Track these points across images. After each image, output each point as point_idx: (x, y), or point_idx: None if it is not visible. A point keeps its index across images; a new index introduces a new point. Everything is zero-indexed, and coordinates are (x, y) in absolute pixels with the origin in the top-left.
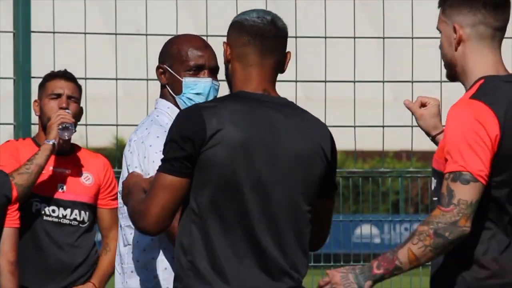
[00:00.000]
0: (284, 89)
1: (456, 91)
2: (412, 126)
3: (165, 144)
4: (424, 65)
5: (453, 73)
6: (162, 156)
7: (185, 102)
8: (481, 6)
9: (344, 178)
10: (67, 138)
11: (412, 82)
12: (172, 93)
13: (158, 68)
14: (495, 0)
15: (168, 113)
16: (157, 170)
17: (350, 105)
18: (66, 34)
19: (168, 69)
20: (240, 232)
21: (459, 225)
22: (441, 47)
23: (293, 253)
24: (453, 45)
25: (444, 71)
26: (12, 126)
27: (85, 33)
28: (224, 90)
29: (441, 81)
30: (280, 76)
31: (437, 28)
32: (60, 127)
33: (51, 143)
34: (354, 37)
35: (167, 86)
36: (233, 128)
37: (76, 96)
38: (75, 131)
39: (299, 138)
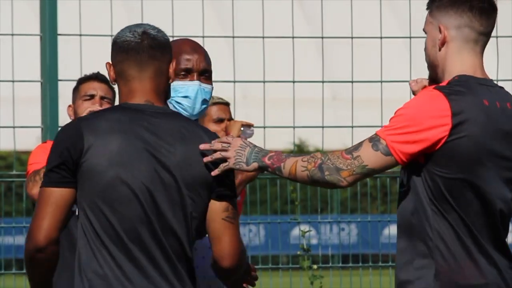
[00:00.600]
0: (311, 89)
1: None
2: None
3: (47, 159)
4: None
5: (435, 74)
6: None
7: (174, 106)
8: (468, 9)
9: (371, 179)
10: None
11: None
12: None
13: None
14: (481, 5)
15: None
16: (40, 187)
17: (377, 105)
18: (93, 37)
19: None
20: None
21: (340, 173)
22: (425, 48)
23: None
24: (437, 45)
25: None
26: (39, 129)
27: (111, 36)
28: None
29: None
30: (306, 77)
31: (423, 30)
32: None
33: None
34: (381, 37)
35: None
36: (110, 137)
37: (109, 97)
38: None
39: (179, 145)
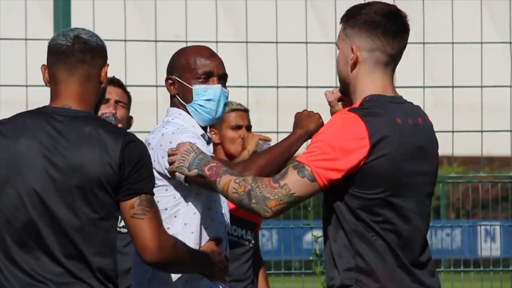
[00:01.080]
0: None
1: (497, 95)
2: (453, 132)
3: None
4: (464, 70)
5: (346, 90)
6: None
7: (196, 109)
8: (381, 33)
9: None
10: None
11: (453, 87)
12: (183, 102)
13: (167, 79)
14: (394, 29)
15: (180, 118)
16: None
17: None
18: (106, 42)
19: (178, 79)
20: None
21: (267, 203)
22: (337, 62)
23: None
24: (349, 64)
25: (485, 75)
26: None
27: (125, 40)
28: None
29: (481, 86)
30: (320, 82)
31: (336, 44)
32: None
33: None
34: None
35: (176, 96)
36: (13, 141)
37: (124, 101)
38: (119, 125)
39: (77, 148)
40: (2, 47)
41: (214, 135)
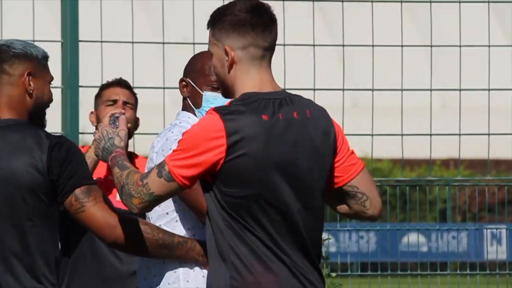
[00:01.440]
0: (331, 96)
1: (504, 98)
2: (460, 134)
3: None
4: (472, 72)
5: (227, 93)
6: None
7: (203, 115)
8: (250, 29)
9: (391, 187)
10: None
11: (460, 90)
12: (192, 106)
13: (181, 81)
14: (262, 22)
15: (189, 122)
16: None
17: (397, 113)
18: (114, 43)
19: (191, 82)
20: None
21: (132, 200)
22: (214, 67)
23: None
24: (225, 66)
25: (491, 78)
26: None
27: (132, 42)
28: None
29: (489, 89)
30: (327, 84)
31: (209, 50)
32: (112, 119)
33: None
34: (402, 45)
35: (188, 98)
36: None
37: (131, 102)
38: (127, 124)
39: (7, 158)
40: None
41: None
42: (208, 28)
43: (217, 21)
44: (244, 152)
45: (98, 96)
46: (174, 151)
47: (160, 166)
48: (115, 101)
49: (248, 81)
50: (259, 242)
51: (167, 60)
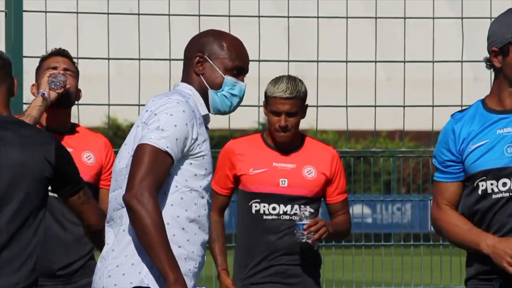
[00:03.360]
0: (275, 68)
1: (448, 71)
2: (404, 106)
3: None
4: (416, 45)
5: None
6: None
7: (218, 98)
8: None
9: None
10: (59, 86)
11: (405, 62)
12: (206, 85)
13: (196, 56)
14: None
15: (189, 93)
16: None
17: (342, 85)
18: (59, 13)
19: (210, 61)
20: None
21: None
22: None
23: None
24: None
25: (436, 51)
26: None
27: (77, 13)
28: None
29: (433, 61)
30: (272, 56)
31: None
32: (51, 78)
33: (40, 94)
34: (347, 17)
35: (201, 76)
36: None
37: (72, 69)
38: (67, 85)
39: (19, 148)
40: None
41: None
42: None
43: None
44: None
45: (38, 68)
46: None
47: None
48: (55, 68)
49: None
50: None
51: (112, 31)
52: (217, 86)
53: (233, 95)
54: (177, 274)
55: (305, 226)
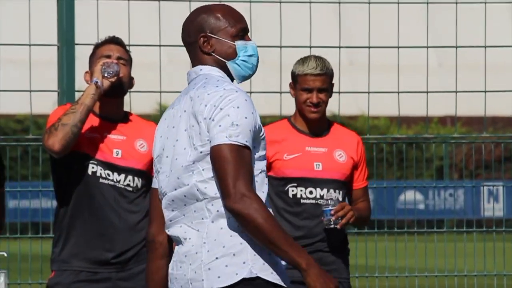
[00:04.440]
0: (328, 55)
1: (500, 56)
2: (456, 92)
3: None
4: (468, 30)
5: None
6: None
7: (239, 65)
8: None
9: (388, 144)
10: (112, 75)
11: (456, 47)
12: (222, 59)
13: (201, 37)
14: None
15: (220, 75)
16: None
17: (394, 70)
18: (110, 1)
19: (214, 36)
20: None
21: None
22: None
23: None
24: None
25: (488, 36)
26: (56, 93)
27: (128, 0)
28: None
29: (485, 46)
30: (324, 42)
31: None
32: (104, 66)
33: (93, 82)
34: (398, 2)
35: (213, 53)
36: None
37: (125, 58)
38: (120, 74)
39: None
40: (4, 6)
41: None
42: None
43: None
44: None
45: (92, 55)
46: None
47: None
48: (108, 57)
49: None
50: None
51: (163, 18)
52: (232, 55)
53: (250, 56)
54: (306, 259)
55: (332, 212)
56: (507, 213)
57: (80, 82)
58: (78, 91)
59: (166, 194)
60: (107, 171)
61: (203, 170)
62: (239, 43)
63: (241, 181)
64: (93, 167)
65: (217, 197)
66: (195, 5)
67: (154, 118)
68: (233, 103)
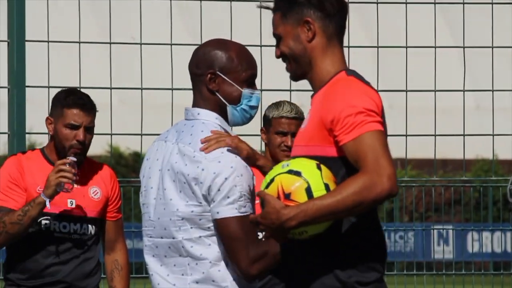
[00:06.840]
0: None
1: (451, 100)
2: (406, 135)
3: None
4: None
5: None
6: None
7: (238, 112)
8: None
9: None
10: (65, 191)
11: (406, 91)
12: (224, 101)
13: (207, 73)
14: None
15: (217, 123)
16: None
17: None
18: (61, 43)
19: (223, 76)
20: None
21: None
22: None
23: None
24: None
25: (438, 80)
26: (6, 135)
27: (79, 42)
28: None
29: (435, 90)
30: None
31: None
32: (62, 184)
33: (45, 199)
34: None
35: (217, 93)
36: None
37: (92, 125)
38: (74, 186)
39: None
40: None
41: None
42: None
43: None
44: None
45: (57, 107)
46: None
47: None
48: (75, 127)
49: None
50: None
51: (114, 60)
52: (235, 101)
53: (251, 107)
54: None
55: None
56: (456, 256)
57: (30, 124)
58: (28, 133)
59: (151, 237)
60: (63, 223)
61: (191, 228)
62: (246, 91)
63: (251, 248)
64: (46, 223)
65: (203, 258)
66: (147, 49)
67: (104, 159)
68: (236, 172)
